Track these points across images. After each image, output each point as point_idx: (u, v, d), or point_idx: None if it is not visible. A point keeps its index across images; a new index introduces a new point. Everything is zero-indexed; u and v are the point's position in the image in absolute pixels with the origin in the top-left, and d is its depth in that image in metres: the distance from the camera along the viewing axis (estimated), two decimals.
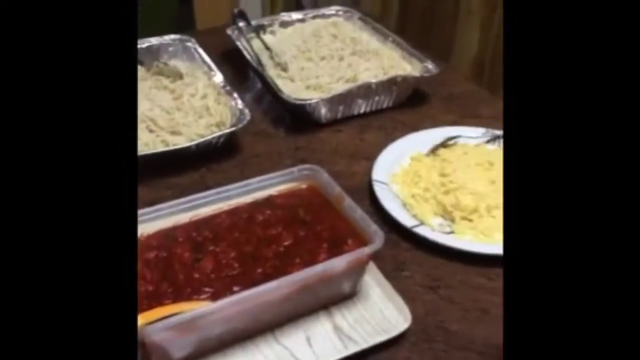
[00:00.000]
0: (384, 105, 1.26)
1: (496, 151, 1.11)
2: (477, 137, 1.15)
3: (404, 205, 1.00)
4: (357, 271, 0.81)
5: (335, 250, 0.80)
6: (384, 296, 0.84)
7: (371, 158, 1.10)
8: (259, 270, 0.77)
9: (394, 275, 0.89)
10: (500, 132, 1.16)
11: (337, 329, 0.80)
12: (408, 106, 1.29)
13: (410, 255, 0.94)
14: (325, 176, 0.90)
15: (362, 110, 1.24)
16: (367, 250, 0.78)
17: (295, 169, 0.91)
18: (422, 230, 0.94)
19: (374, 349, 0.78)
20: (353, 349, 0.77)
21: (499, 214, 0.96)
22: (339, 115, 1.22)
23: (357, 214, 0.83)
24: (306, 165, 0.91)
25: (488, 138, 1.15)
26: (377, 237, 0.79)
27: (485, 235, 0.95)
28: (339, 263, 0.76)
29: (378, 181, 1.03)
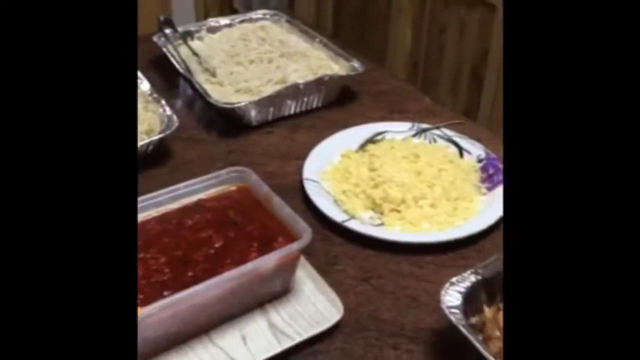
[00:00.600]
0: (314, 105, 1.28)
1: (422, 144, 1.15)
2: (403, 132, 1.18)
3: (335, 201, 1.02)
4: (288, 268, 0.83)
5: (266, 248, 0.81)
6: (316, 290, 0.86)
7: (302, 157, 1.12)
8: (190, 274, 0.78)
9: (327, 269, 0.91)
10: (426, 126, 1.20)
11: (271, 325, 0.82)
12: (338, 105, 1.32)
13: (343, 249, 0.96)
14: (254, 177, 0.91)
15: (292, 111, 1.26)
16: (295, 246, 0.79)
17: (223, 171, 0.92)
18: (353, 224, 0.97)
19: (308, 342, 0.80)
20: (287, 343, 0.79)
21: (425, 203, 1.00)
22: (270, 117, 1.24)
23: (286, 211, 0.85)
24: (234, 168, 0.93)
25: (414, 132, 1.19)
26: (305, 233, 0.80)
27: (413, 225, 0.98)
28: (268, 260, 0.78)
29: (309, 179, 1.05)
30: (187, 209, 0.88)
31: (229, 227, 0.85)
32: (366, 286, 0.90)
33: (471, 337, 0.71)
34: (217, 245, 0.82)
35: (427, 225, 0.98)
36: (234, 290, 0.78)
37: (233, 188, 0.91)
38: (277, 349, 0.78)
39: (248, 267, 0.76)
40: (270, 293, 0.84)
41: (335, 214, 0.98)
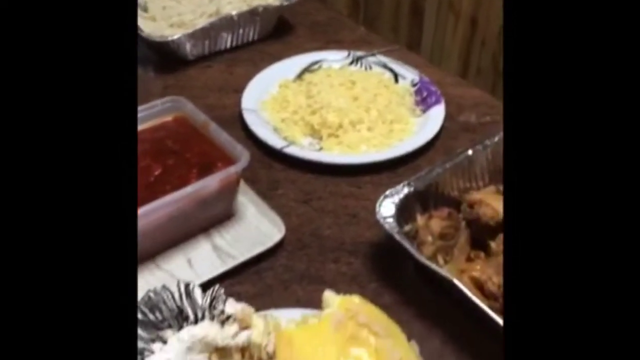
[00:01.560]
0: (250, 38, 1.27)
1: (358, 72, 1.17)
2: (339, 60, 1.20)
3: (275, 129, 1.04)
4: (228, 191, 0.84)
5: (205, 174, 0.82)
6: (259, 214, 0.88)
7: (241, 90, 1.12)
8: None
9: (269, 194, 0.93)
10: (361, 53, 1.21)
11: (216, 248, 0.84)
12: (274, 38, 1.32)
13: (284, 175, 0.98)
14: (189, 106, 0.91)
15: (229, 45, 1.25)
16: (234, 169, 0.81)
17: (158, 102, 0.91)
18: (292, 150, 0.99)
19: (253, 261, 0.83)
20: (232, 263, 0.81)
21: (362, 127, 1.03)
22: (206, 51, 1.22)
23: (223, 137, 0.86)
24: (170, 97, 0.92)
25: (350, 60, 1.20)
26: (244, 156, 0.82)
27: (351, 148, 1.01)
28: (208, 183, 0.79)
29: (248, 109, 1.06)
30: None
31: (167, 155, 0.85)
32: (307, 208, 0.93)
33: (404, 243, 0.76)
34: (156, 173, 0.83)
35: (365, 148, 1.01)
36: (176, 216, 0.79)
37: (169, 118, 0.91)
38: (221, 268, 0.80)
39: (188, 190, 0.77)
40: (213, 217, 0.86)
41: (275, 141, 1.00)
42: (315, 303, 0.77)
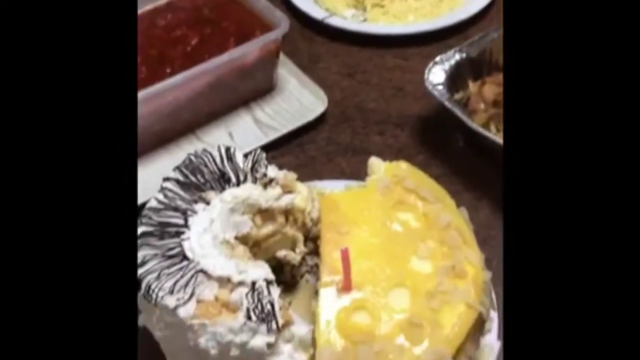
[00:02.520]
0: None
1: None
2: None
3: (315, 0, 0.98)
4: (268, 60, 0.80)
5: (244, 42, 0.78)
6: (300, 86, 0.85)
7: None
8: (168, 71, 0.75)
9: (310, 67, 0.89)
10: None
11: (257, 121, 0.81)
12: None
13: (325, 48, 0.93)
14: None
15: None
16: (273, 35, 0.77)
17: None
18: (334, 22, 0.93)
19: (295, 133, 0.80)
20: (273, 135, 0.79)
21: None
22: None
23: (261, 3, 0.81)
24: None
25: None
26: (283, 22, 0.77)
27: (398, 19, 0.94)
28: (247, 50, 0.75)
29: None
30: (158, 10, 0.83)
31: (204, 24, 0.81)
32: (351, 81, 0.89)
33: (455, 111, 0.71)
34: (193, 42, 0.79)
35: (412, 18, 0.95)
36: (215, 85, 0.76)
37: None
38: (263, 140, 0.78)
39: (227, 57, 0.74)
40: (254, 89, 0.82)
41: (316, 12, 0.94)
42: (359, 175, 0.75)
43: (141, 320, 0.55)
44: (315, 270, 0.66)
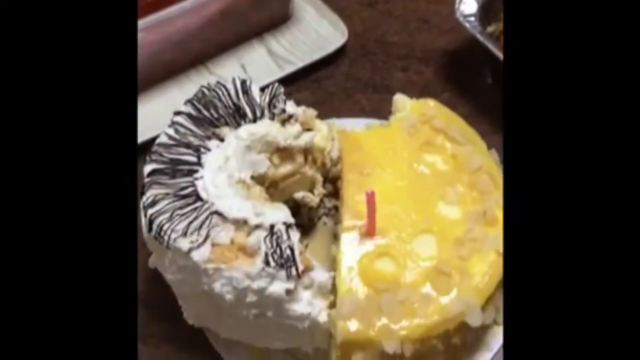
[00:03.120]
0: None
1: None
2: None
3: None
4: None
5: None
6: (318, 16, 0.79)
7: None
8: None
9: None
10: None
11: (271, 53, 0.76)
12: None
13: None
14: None
15: None
16: None
17: None
18: None
19: (311, 67, 0.75)
20: (289, 69, 0.74)
21: None
22: None
23: None
24: None
25: None
26: None
27: None
28: None
29: None
30: None
31: None
32: (372, 11, 0.83)
33: (488, 44, 0.66)
34: None
35: None
36: (227, 12, 0.71)
37: None
38: (278, 74, 0.73)
39: None
40: (268, 19, 0.77)
41: None
42: (381, 113, 0.70)
43: (152, 262, 0.52)
44: (333, 213, 0.63)
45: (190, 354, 0.55)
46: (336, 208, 0.62)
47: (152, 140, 0.55)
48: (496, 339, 0.53)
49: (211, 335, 0.54)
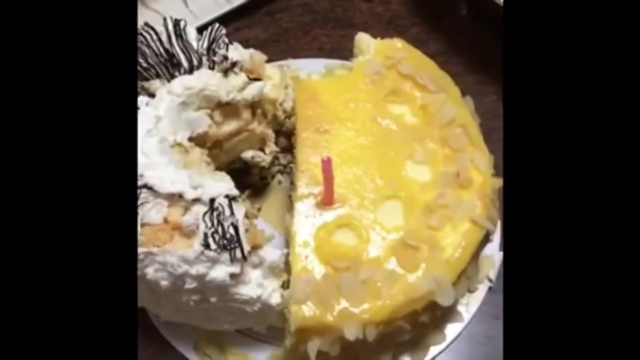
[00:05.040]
0: None
1: None
2: None
3: None
4: None
5: None
6: None
7: None
8: None
9: None
10: None
11: None
12: None
13: None
14: None
15: None
16: None
17: None
18: None
19: None
20: (238, 1, 0.65)
21: None
22: None
23: None
24: None
25: None
26: None
27: None
28: None
29: None
30: None
31: None
32: None
33: None
34: None
35: None
36: None
37: None
38: (225, 7, 0.64)
39: None
40: None
41: None
42: (342, 52, 0.63)
43: None
44: (288, 170, 0.56)
45: None
46: (291, 165, 0.56)
47: None
48: (467, 308, 0.49)
49: (153, 315, 0.48)
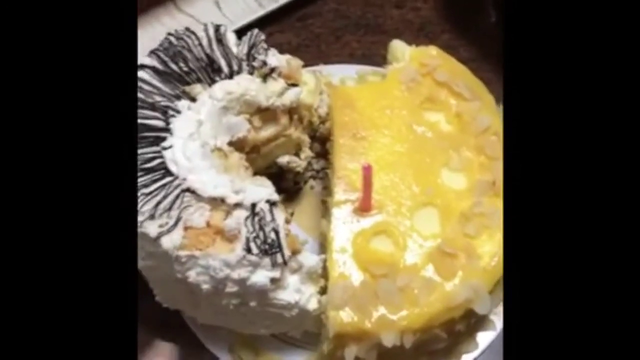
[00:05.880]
0: None
1: None
2: None
3: None
4: None
5: None
6: None
7: None
8: None
9: None
10: None
11: None
12: None
13: None
14: None
15: None
16: None
17: None
18: None
19: (296, 4, 0.67)
20: (270, 6, 0.65)
21: None
22: None
23: None
24: None
25: None
26: None
27: None
28: None
29: None
30: None
31: None
32: None
33: None
34: None
35: None
36: None
37: None
38: (258, 12, 0.64)
39: None
40: None
41: None
42: (373, 58, 0.63)
43: None
44: (321, 175, 0.56)
45: (164, 335, 0.50)
46: (325, 170, 0.56)
47: None
48: (499, 317, 0.49)
49: (188, 318, 0.49)
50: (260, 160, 0.49)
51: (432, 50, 0.53)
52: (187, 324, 0.49)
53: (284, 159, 0.51)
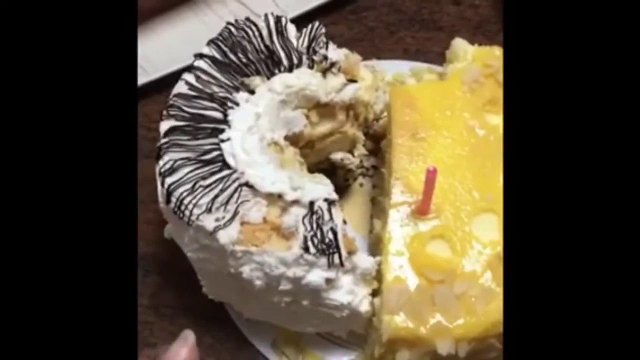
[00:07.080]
0: None
1: None
2: None
3: None
4: None
5: None
6: None
7: None
8: None
9: None
10: None
11: None
12: None
13: None
14: None
15: None
16: None
17: None
18: None
19: None
20: None
21: None
22: None
23: None
24: None
25: None
26: None
27: None
28: None
29: None
30: None
31: None
32: None
33: None
34: None
35: None
36: None
37: None
38: (312, 2, 0.63)
39: None
40: None
41: None
42: (428, 55, 0.62)
43: (168, 232, 0.45)
44: (371, 173, 0.55)
45: (208, 328, 0.50)
46: (375, 168, 0.55)
47: (164, 79, 0.47)
48: None
49: (233, 311, 0.48)
50: (313, 155, 0.48)
51: (496, 51, 0.51)
52: (230, 318, 0.48)
53: (337, 156, 0.50)
